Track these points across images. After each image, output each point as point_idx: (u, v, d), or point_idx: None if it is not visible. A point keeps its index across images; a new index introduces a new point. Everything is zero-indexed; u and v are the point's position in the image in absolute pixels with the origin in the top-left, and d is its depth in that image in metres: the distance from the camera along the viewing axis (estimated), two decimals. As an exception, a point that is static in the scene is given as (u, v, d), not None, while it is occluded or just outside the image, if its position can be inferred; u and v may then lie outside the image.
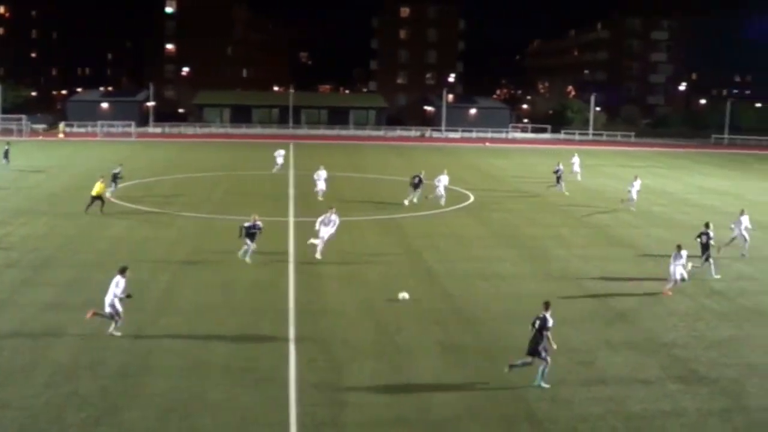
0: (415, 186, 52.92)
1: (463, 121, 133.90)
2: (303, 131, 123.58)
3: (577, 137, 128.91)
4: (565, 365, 23.51)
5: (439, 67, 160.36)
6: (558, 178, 60.59)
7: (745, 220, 40.52)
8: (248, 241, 33.67)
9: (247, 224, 33.82)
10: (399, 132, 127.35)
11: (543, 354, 21.88)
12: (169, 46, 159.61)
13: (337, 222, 36.03)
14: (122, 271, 25.05)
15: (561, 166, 61.61)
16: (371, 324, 26.97)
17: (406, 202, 52.29)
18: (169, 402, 20.21)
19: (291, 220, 45.33)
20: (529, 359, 22.12)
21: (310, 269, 33.18)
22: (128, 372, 22.05)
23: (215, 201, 52.35)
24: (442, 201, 51.65)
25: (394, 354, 24.22)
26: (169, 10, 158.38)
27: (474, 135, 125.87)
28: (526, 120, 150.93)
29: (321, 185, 53.49)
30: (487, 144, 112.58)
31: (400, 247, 39.11)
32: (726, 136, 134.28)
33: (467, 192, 57.95)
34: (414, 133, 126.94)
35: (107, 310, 24.73)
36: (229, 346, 24.35)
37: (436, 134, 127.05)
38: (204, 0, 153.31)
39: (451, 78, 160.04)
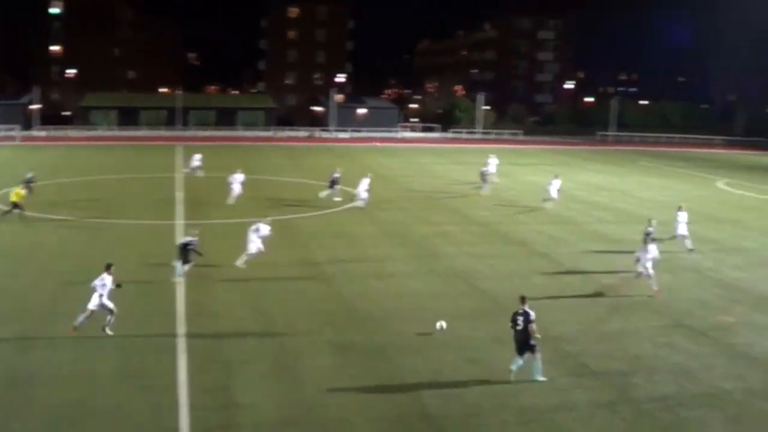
0: (332, 183, 54.21)
1: (353, 121, 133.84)
2: (191, 133, 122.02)
3: (465, 136, 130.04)
4: (455, 361, 23.70)
5: (328, 67, 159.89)
6: (483, 178, 60.95)
7: (683, 216, 41.80)
8: (183, 260, 31.50)
9: (184, 241, 32.15)
10: (288, 133, 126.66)
11: (536, 348, 22.30)
12: (55, 48, 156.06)
13: (267, 233, 35.29)
14: (108, 268, 25.40)
15: (488, 167, 62.09)
16: (262, 326, 26.76)
17: (321, 195, 54.41)
18: (58, 412, 19.76)
19: (178, 223, 44.66)
20: (520, 361, 22.39)
21: (199, 272, 32.70)
22: (14, 383, 21.42)
23: (101, 205, 51.22)
24: (363, 204, 51.49)
25: (285, 355, 24.07)
26: (53, 10, 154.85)
27: (363, 135, 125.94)
28: (415, 119, 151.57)
29: (237, 189, 52.50)
30: (378, 144, 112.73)
31: (292, 248, 38.88)
32: (612, 133, 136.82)
33: (356, 191, 57.88)
34: (303, 133, 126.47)
35: (92, 308, 24.84)
36: (117, 352, 23.86)
37: (325, 134, 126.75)
38: (89, 0, 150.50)
39: (341, 78, 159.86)
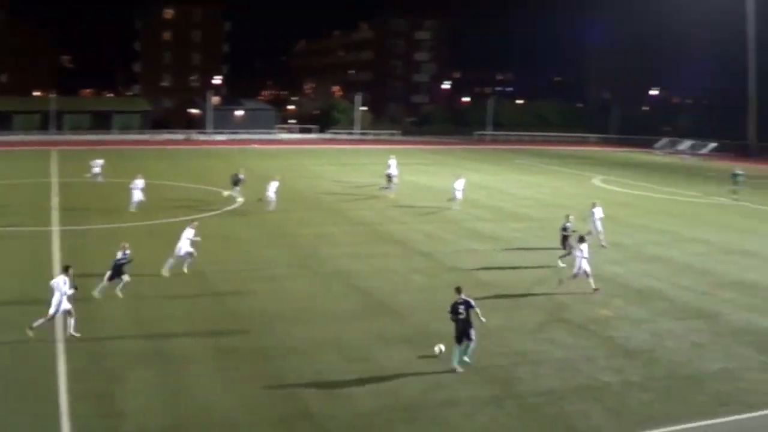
0: (235, 183, 54.98)
1: (230, 124, 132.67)
2: (66, 137, 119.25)
3: (343, 137, 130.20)
4: (339, 362, 23.63)
5: (205, 69, 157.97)
6: (389, 179, 60.73)
7: (598, 212, 42.70)
8: (118, 277, 29.31)
9: (118, 257, 29.48)
10: (165, 136, 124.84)
11: (473, 335, 23.11)
12: None
13: (193, 236, 34.46)
14: (65, 270, 25.41)
15: (391, 169, 62.14)
16: (144, 331, 26.24)
17: (225, 194, 55.03)
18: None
19: (55, 229, 43.57)
20: (457, 351, 23.16)
21: (75, 278, 31.91)
22: None
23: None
24: (271, 207, 50.98)
25: (168, 360, 23.64)
26: None
27: (241, 137, 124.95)
28: (293, 121, 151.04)
29: (138, 195, 50.55)
30: (256, 146, 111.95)
31: (171, 252, 38.24)
32: (489, 132, 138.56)
33: (234, 194, 57.25)
34: (180, 136, 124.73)
35: (52, 311, 24.70)
36: (-9, 361, 23.14)
37: (202, 137, 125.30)
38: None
39: (217, 80, 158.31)
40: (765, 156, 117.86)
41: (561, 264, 36.52)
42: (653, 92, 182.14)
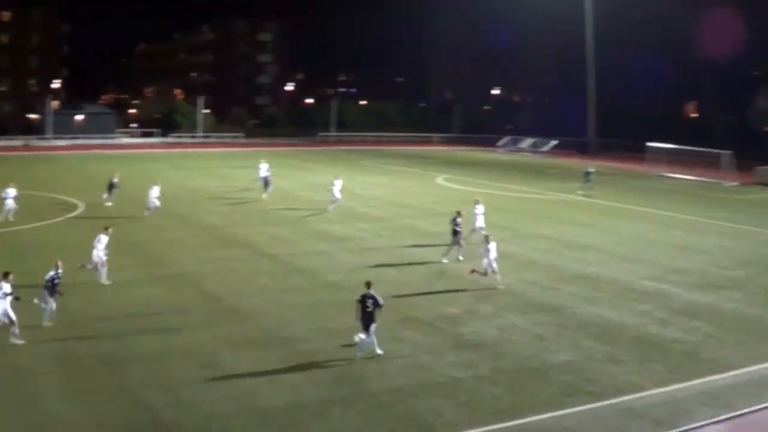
0: (110, 188, 54.39)
1: (70, 128, 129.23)
2: None
3: (186, 140, 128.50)
4: (188, 368, 23.24)
5: (43, 73, 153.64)
6: (266, 183, 60.37)
7: (480, 209, 44.40)
8: (48, 298, 26.92)
9: (49, 275, 27.20)
10: (2, 142, 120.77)
11: (372, 330, 24.33)
12: None
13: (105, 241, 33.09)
14: (5, 276, 24.98)
15: (267, 172, 61.72)
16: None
17: (107, 203, 53.74)
18: None
19: None
20: (363, 335, 24.28)
21: None
22: None
23: None
24: (148, 213, 49.78)
25: (12, 372, 22.76)
26: None
27: (82, 142, 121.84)
28: (134, 124, 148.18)
29: (10, 204, 48.43)
30: (97, 151, 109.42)
31: (11, 262, 36.93)
32: (333, 133, 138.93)
33: (77, 201, 55.74)
34: (18, 142, 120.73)
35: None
36: None
37: (42, 143, 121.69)
38: None
39: (56, 84, 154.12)
40: (604, 153, 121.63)
41: (444, 260, 38.12)
42: (495, 91, 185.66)
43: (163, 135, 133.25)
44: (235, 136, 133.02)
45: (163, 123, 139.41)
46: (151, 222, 48.45)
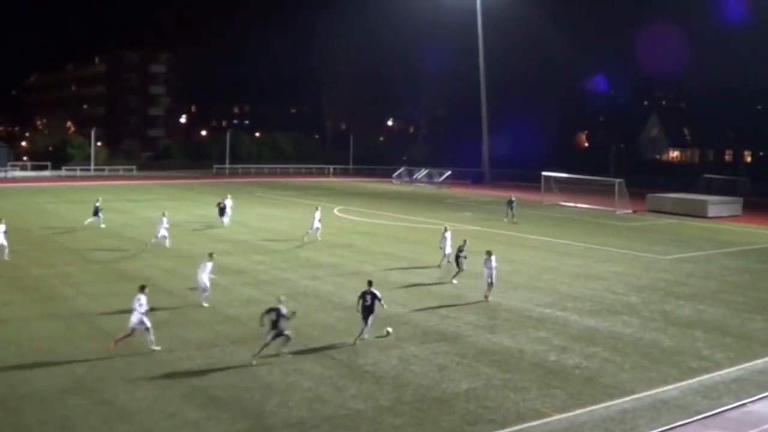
0: (96, 212, 56.93)
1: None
2: None
3: (79, 173, 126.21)
4: (85, 406, 22.54)
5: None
6: (221, 211, 62.04)
7: (449, 236, 46.63)
8: None
9: None
10: None
11: (369, 321, 29.55)
12: None
13: None
14: (142, 289, 28.02)
15: (227, 201, 63.12)
16: None
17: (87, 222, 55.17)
18: None
19: None
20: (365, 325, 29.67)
21: None
22: None
23: None
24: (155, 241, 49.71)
25: None
26: None
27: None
28: (25, 157, 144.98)
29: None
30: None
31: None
32: (227, 165, 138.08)
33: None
34: None
35: (133, 326, 27.55)
36: None
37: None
38: None
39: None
40: (498, 182, 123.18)
41: (455, 281, 41.39)
42: (390, 123, 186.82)
43: (56, 168, 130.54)
44: (129, 169, 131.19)
45: (55, 156, 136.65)
46: (36, 256, 47.17)
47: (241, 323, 32.03)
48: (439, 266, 46.10)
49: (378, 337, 30.24)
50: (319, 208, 58.14)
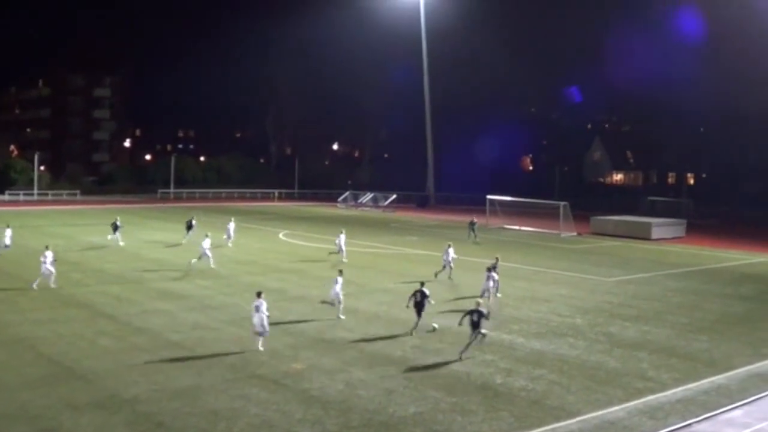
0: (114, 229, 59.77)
1: None
2: None
3: (23, 198, 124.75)
4: (26, 434, 22.20)
5: None
6: (188, 228, 66.38)
7: (452, 252, 51.72)
8: None
9: None
10: None
11: (422, 314, 35.79)
12: None
13: None
14: (259, 295, 32.38)
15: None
16: None
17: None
18: None
19: None
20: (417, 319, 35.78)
21: None
22: None
23: None
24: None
25: None
26: None
27: None
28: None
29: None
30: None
31: None
32: (172, 190, 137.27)
33: None
34: None
35: (258, 329, 31.80)
36: None
37: None
38: None
39: None
40: (444, 206, 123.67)
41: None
42: (335, 147, 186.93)
43: None
44: (72, 194, 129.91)
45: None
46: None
47: (186, 349, 31.74)
48: (435, 275, 50.56)
49: (428, 332, 35.43)
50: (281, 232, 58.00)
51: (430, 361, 31.02)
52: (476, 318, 31.71)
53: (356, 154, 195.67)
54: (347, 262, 55.79)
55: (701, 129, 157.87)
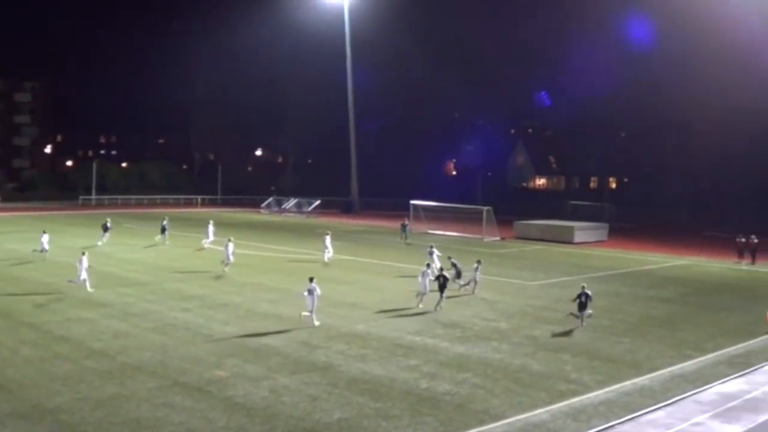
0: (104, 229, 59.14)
1: None
2: None
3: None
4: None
5: None
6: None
7: (436, 251, 56.86)
8: None
9: None
10: None
11: (444, 294, 43.44)
12: None
13: None
14: (311, 280, 38.38)
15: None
16: None
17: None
18: None
19: None
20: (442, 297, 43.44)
21: None
22: None
23: None
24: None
25: None
26: None
27: None
28: None
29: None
30: None
31: None
32: (94, 196, 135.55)
33: None
34: None
35: (309, 308, 37.98)
36: None
37: None
38: None
39: None
40: (367, 211, 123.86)
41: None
42: (258, 152, 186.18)
43: None
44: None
45: None
46: None
47: (108, 357, 31.39)
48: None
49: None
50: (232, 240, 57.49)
51: (354, 366, 31.05)
52: (584, 299, 39.68)
53: (279, 160, 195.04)
54: (271, 267, 55.64)
55: (622, 134, 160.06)
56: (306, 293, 37.84)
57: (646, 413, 26.41)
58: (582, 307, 39.69)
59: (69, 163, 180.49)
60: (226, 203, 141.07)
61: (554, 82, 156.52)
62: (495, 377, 30.19)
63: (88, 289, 46.08)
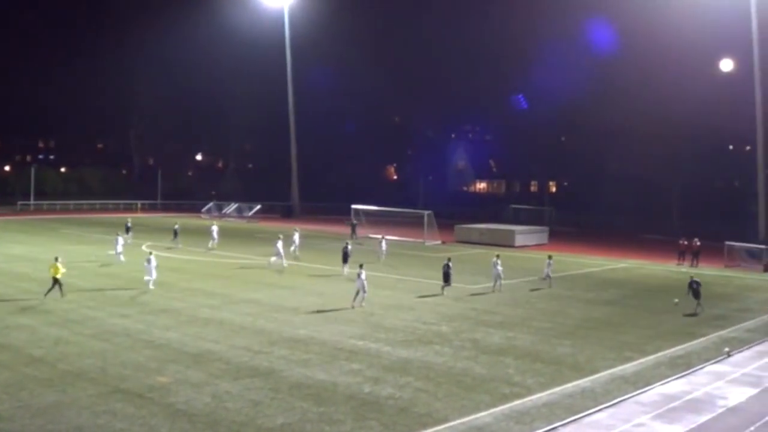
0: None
1: None
2: None
3: None
4: None
5: None
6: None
7: (498, 263, 54.79)
8: None
9: None
10: None
11: (450, 281, 50.86)
12: None
13: None
14: (361, 266, 44.52)
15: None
16: None
17: None
18: None
19: None
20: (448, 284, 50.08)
21: None
22: None
23: None
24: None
25: None
26: None
27: None
28: None
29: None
30: None
31: None
32: (32, 202, 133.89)
33: None
34: None
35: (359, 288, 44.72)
36: None
37: None
38: None
39: None
40: (308, 216, 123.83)
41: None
42: (199, 157, 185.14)
43: None
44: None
45: None
46: None
47: (48, 364, 31.02)
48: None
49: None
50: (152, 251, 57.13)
51: (297, 371, 31.00)
52: (695, 286, 44.86)
53: (220, 165, 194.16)
54: (214, 273, 55.40)
55: (562, 138, 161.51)
56: (356, 277, 45.60)
57: (588, 415, 26.68)
58: (696, 294, 45.11)
59: (6, 168, 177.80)
60: (165, 208, 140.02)
61: (497, 87, 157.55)
62: (438, 381, 30.31)
63: (150, 287, 49.46)
